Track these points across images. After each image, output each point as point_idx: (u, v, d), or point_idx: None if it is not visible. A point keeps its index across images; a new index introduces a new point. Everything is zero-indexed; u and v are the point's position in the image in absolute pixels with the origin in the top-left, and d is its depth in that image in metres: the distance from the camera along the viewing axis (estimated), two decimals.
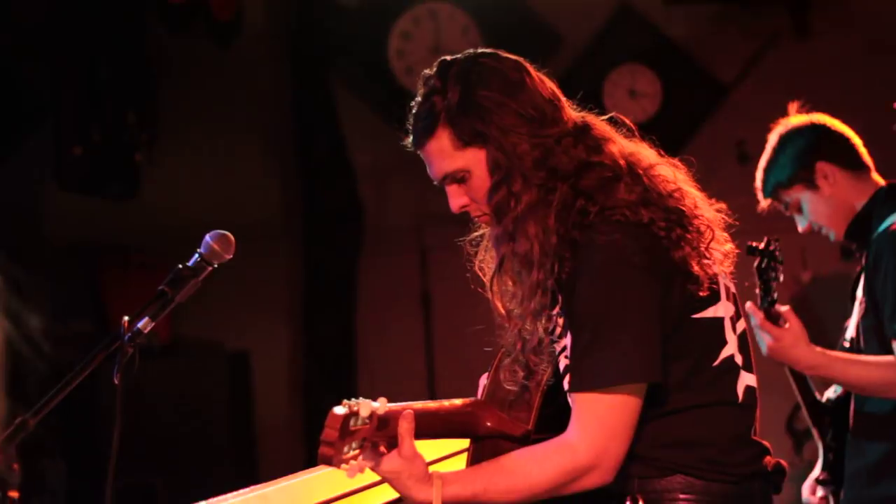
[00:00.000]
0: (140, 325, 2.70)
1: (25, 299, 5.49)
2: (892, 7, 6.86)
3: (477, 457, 2.70)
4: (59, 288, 6.62)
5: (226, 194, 7.28)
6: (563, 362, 2.68)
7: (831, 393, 4.15)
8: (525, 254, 2.64)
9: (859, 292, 3.98)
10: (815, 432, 4.18)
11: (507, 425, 2.71)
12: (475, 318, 2.82)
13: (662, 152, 2.80)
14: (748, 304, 3.84)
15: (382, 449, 2.55)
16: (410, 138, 2.77)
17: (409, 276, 7.40)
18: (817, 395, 4.17)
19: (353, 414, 2.42)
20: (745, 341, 2.76)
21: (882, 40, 6.67)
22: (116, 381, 2.66)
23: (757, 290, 3.94)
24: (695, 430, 2.65)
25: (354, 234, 7.60)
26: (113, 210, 6.93)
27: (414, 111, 2.75)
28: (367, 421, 2.45)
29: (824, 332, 4.03)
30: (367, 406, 2.45)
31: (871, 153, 4.11)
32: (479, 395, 2.80)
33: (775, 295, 3.93)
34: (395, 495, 2.68)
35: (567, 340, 2.64)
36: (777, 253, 3.99)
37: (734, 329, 2.72)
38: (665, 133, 2.91)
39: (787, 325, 3.88)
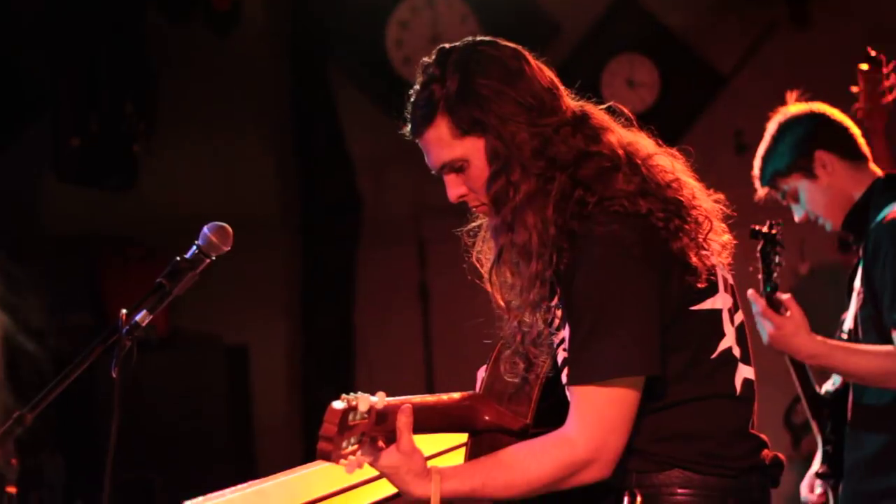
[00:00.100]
0: (138, 318, 2.69)
1: (23, 291, 5.48)
2: None
3: (475, 451, 2.69)
4: (56, 279, 6.60)
5: (224, 185, 7.28)
6: (560, 355, 2.67)
7: (829, 385, 4.14)
8: (524, 244, 2.62)
9: (857, 283, 3.97)
10: (813, 425, 4.16)
11: (505, 419, 2.71)
12: (474, 310, 2.81)
13: (660, 142, 2.79)
14: (750, 292, 3.83)
15: (381, 444, 2.54)
16: (409, 127, 2.75)
17: (408, 268, 7.38)
18: (816, 387, 4.16)
19: (352, 409, 2.42)
20: (743, 333, 2.75)
21: (881, 30, 6.65)
22: (114, 375, 2.65)
23: (759, 276, 3.93)
24: (693, 423, 2.64)
25: (353, 227, 7.59)
26: (111, 201, 6.92)
27: (412, 99, 2.73)
28: (366, 416, 2.45)
29: (823, 325, 4.01)
30: (365, 401, 2.44)
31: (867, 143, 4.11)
32: (477, 388, 2.80)
33: (777, 280, 3.92)
34: (393, 490, 2.67)
35: (565, 332, 2.62)
36: (779, 237, 3.98)
37: (732, 321, 2.71)
38: (663, 123, 2.91)
39: (788, 314, 3.87)
